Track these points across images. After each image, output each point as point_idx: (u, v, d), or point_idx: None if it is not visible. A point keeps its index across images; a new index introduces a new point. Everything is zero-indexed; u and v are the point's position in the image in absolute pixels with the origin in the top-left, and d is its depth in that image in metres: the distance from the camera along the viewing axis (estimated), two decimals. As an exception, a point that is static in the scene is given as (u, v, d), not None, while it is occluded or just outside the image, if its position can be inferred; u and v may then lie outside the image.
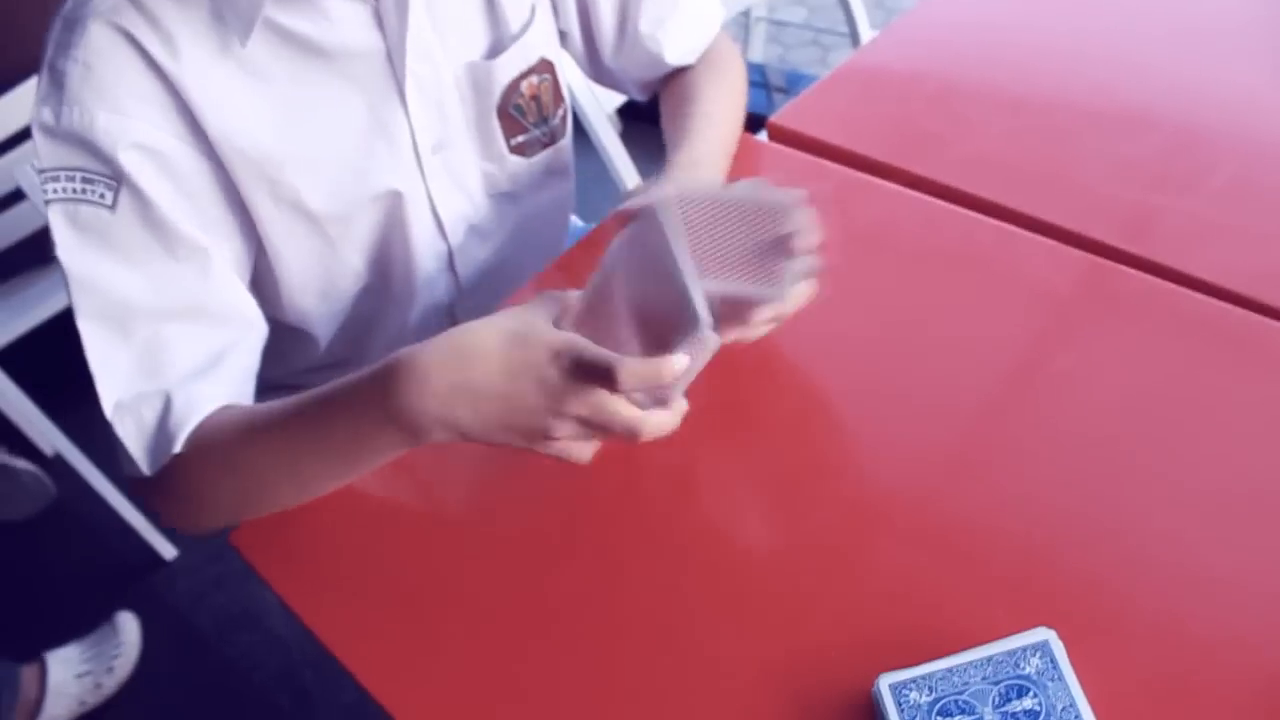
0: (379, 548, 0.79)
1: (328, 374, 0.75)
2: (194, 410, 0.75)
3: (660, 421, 0.63)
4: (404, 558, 0.78)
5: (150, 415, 0.75)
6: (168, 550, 1.82)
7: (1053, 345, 0.83)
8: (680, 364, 0.61)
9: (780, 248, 0.72)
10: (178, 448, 0.74)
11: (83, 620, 1.70)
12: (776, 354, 0.85)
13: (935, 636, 0.64)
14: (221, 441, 0.73)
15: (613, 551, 0.75)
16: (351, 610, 0.75)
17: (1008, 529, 0.71)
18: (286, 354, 0.96)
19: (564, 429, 0.63)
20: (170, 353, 0.76)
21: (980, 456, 0.76)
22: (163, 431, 0.74)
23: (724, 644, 0.68)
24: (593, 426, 0.63)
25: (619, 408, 0.62)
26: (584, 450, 0.65)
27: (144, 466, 0.75)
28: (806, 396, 0.84)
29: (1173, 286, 0.84)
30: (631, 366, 0.59)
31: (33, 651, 1.63)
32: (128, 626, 1.68)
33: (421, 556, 0.77)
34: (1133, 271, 0.86)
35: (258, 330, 0.82)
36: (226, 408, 0.76)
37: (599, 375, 0.60)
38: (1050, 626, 0.63)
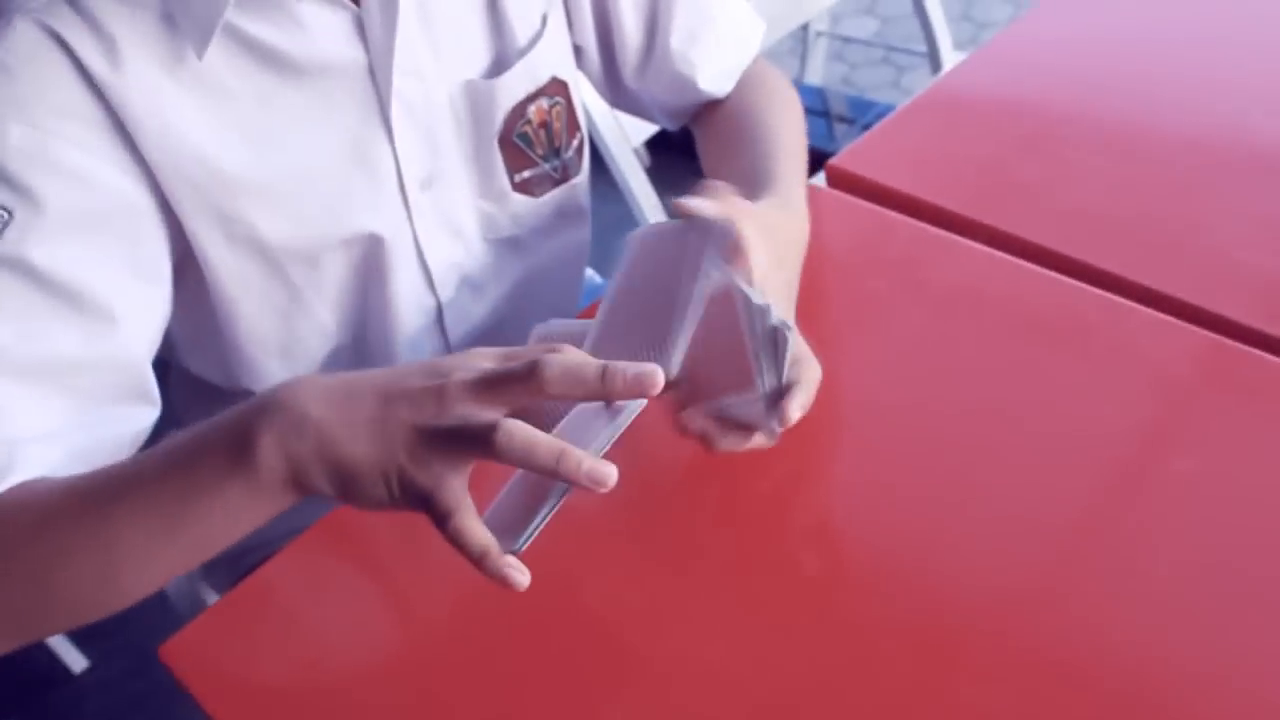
0: (331, 667, 0.79)
1: None
2: (14, 466, 0.72)
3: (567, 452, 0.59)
4: (362, 677, 0.78)
5: None
6: (77, 661, 1.82)
7: (1169, 444, 0.83)
8: (626, 372, 0.59)
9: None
10: None
11: (-30, 743, 1.70)
12: (837, 443, 0.86)
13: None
14: (30, 503, 0.70)
15: (591, 682, 0.75)
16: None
17: (1112, 681, 0.70)
18: None
19: (458, 395, 0.61)
20: (12, 411, 0.73)
21: (1077, 584, 0.76)
22: None
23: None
24: (491, 389, 0.61)
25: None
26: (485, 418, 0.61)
27: None
28: (870, 498, 0.84)
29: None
30: (560, 357, 0.59)
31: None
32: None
33: (380, 675, 0.78)
34: (1270, 357, 0.86)
35: (145, 413, 0.82)
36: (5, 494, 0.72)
37: (517, 371, 0.60)
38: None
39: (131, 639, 1.27)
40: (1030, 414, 0.86)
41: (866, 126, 1.16)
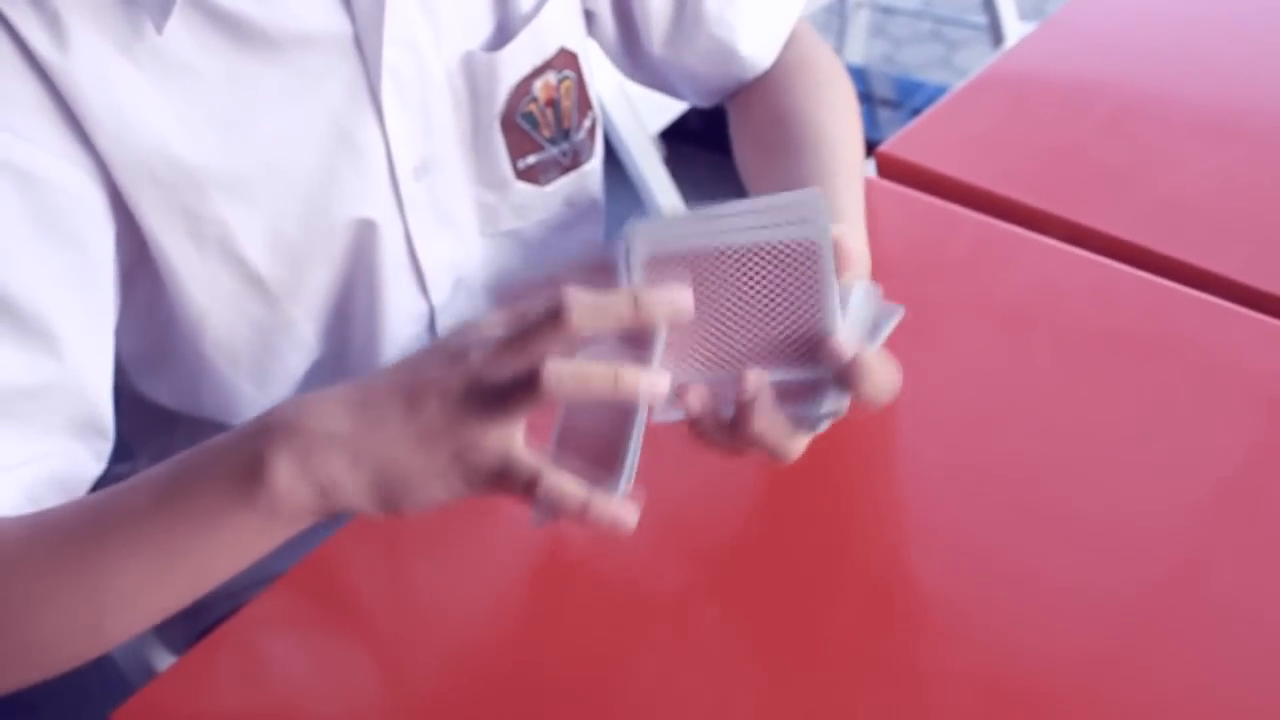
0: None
1: None
2: None
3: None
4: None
5: None
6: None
7: (1276, 462, 0.84)
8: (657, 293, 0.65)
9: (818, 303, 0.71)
10: None
11: None
12: (894, 472, 0.87)
13: None
14: None
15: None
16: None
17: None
18: None
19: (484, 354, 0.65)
20: None
21: (1179, 633, 0.76)
22: None
23: None
24: (518, 348, 0.64)
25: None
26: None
27: None
28: (933, 534, 0.84)
29: None
30: (582, 292, 0.63)
31: None
32: None
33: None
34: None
35: (97, 444, 0.83)
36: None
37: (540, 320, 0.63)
38: None
39: (67, 710, 1.27)
40: (1118, 436, 0.87)
41: (915, 111, 1.17)
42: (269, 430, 0.66)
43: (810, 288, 0.70)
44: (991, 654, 0.76)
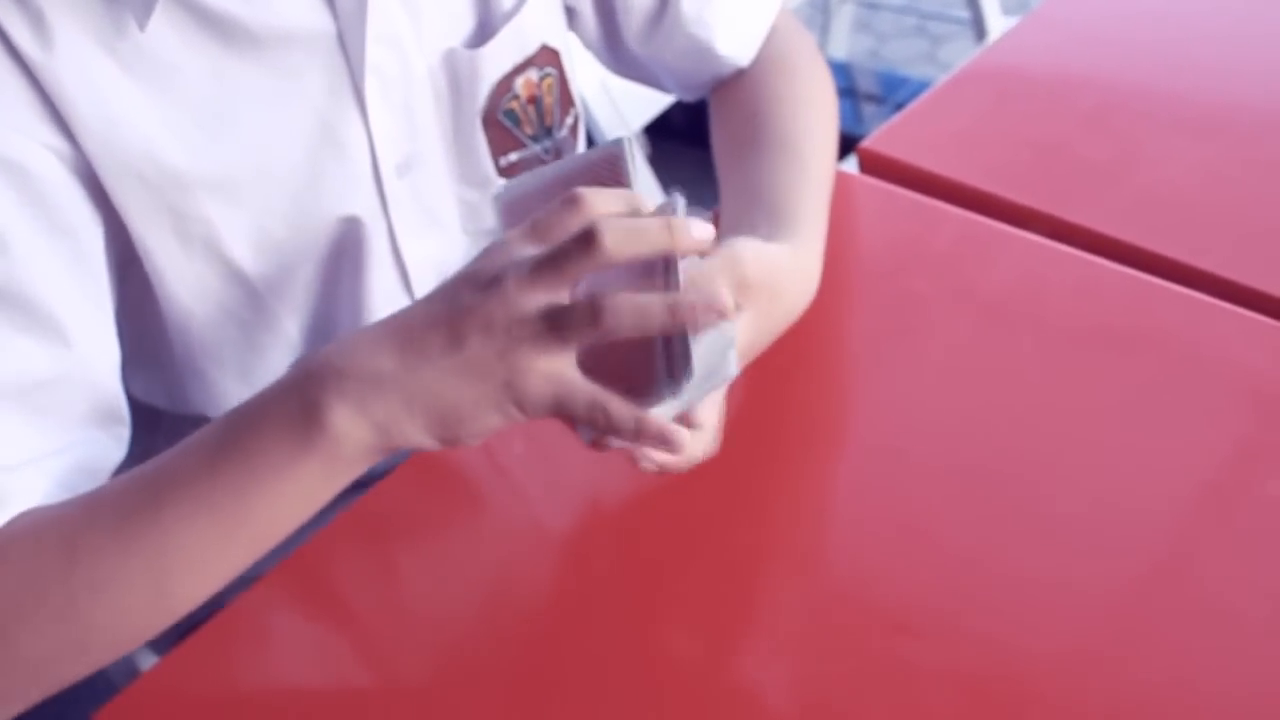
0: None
1: None
2: (9, 495, 0.74)
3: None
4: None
5: None
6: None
7: (1264, 464, 0.84)
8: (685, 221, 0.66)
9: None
10: None
11: None
12: (875, 470, 0.87)
13: None
14: (45, 532, 0.73)
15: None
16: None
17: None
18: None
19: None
20: None
21: (1158, 628, 0.76)
22: None
23: None
24: (552, 273, 0.66)
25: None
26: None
27: None
28: (914, 533, 0.84)
29: None
30: (615, 219, 0.65)
31: None
32: None
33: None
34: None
35: (117, 432, 0.84)
36: (14, 520, 0.75)
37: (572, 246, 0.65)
38: None
39: (49, 710, 1.27)
40: (1102, 433, 0.87)
41: (899, 107, 1.17)
42: (317, 376, 0.68)
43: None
44: (974, 649, 0.76)
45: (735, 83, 1.09)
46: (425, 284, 1.00)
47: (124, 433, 0.85)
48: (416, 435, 0.68)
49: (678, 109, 1.40)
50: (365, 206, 0.93)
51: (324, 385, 0.67)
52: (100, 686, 0.89)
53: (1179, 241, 0.98)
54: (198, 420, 0.95)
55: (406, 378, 0.66)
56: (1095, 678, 0.73)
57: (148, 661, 1.14)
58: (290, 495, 0.70)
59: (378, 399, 0.67)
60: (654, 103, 1.48)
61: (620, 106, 1.43)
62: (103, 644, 0.74)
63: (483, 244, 1.02)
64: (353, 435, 0.67)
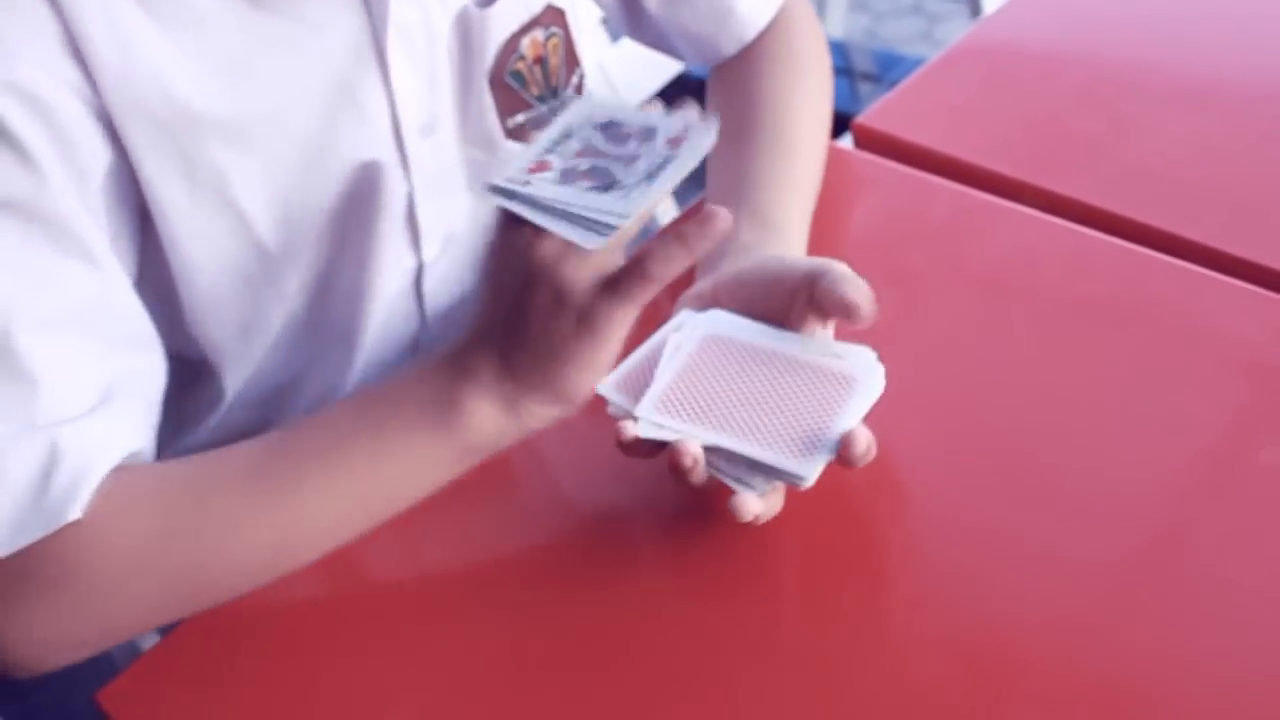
0: (294, 713, 0.80)
1: (220, 438, 0.79)
2: (93, 459, 0.74)
3: None
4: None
5: (22, 468, 0.73)
6: (-10, 725, 1.83)
7: (1258, 434, 0.84)
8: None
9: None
10: (75, 513, 0.73)
11: None
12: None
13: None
14: (174, 473, 0.79)
15: None
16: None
17: (1193, 700, 0.71)
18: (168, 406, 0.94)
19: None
20: (47, 378, 0.75)
21: (1156, 599, 0.77)
22: (47, 491, 0.73)
23: None
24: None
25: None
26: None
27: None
28: (911, 508, 0.85)
29: None
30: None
31: None
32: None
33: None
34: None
35: (159, 360, 0.85)
36: (131, 467, 0.77)
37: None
38: None
39: (53, 689, 1.27)
40: (1096, 404, 0.87)
41: (895, 85, 1.17)
42: (458, 370, 0.77)
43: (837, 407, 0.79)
44: (971, 621, 0.76)
45: (734, 65, 1.09)
46: (434, 244, 0.99)
47: (162, 360, 0.87)
48: (541, 407, 0.77)
49: (674, 89, 1.39)
50: (385, 168, 0.91)
51: (464, 379, 0.77)
52: (103, 666, 0.89)
53: (1171, 213, 0.98)
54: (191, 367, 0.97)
55: (519, 355, 0.75)
56: (1090, 647, 0.74)
57: (150, 641, 1.14)
58: (421, 475, 0.80)
59: (512, 390, 0.76)
60: (652, 84, 1.48)
61: (618, 89, 1.43)
62: (229, 585, 0.81)
63: (486, 203, 1.02)
64: (486, 425, 0.77)
